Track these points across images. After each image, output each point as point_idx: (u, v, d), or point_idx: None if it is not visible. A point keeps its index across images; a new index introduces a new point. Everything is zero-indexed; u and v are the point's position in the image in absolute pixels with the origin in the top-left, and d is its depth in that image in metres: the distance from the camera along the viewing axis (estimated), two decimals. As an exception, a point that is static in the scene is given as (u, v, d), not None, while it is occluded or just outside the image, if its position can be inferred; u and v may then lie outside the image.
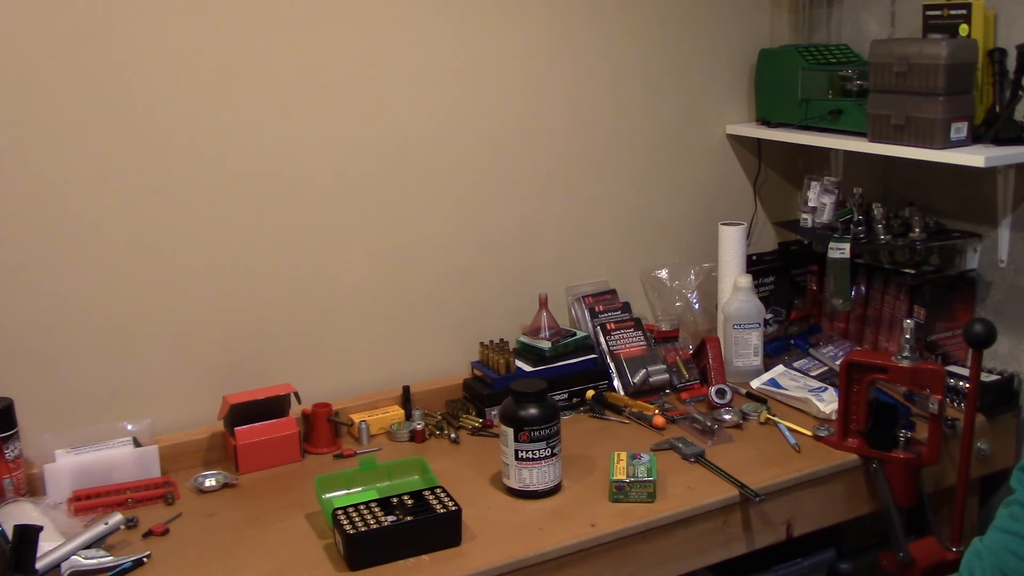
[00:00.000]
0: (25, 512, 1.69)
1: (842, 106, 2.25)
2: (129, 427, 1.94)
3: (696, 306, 2.48)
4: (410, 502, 1.69)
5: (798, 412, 2.13)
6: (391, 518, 1.64)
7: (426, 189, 2.19)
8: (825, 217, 2.35)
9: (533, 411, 1.78)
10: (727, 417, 2.09)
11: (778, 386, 2.22)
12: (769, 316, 2.45)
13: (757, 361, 2.31)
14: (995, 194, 2.18)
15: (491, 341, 2.26)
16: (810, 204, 2.40)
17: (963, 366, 2.19)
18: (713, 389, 2.17)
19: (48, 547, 1.56)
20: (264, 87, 1.98)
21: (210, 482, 1.89)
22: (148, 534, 1.71)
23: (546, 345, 2.20)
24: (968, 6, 2.04)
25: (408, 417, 2.14)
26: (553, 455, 1.80)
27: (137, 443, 1.91)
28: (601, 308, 2.34)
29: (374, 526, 1.61)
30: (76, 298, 1.89)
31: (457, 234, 2.24)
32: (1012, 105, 2.03)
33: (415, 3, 2.10)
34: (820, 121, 2.30)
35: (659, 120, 2.44)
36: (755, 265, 2.46)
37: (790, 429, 2.04)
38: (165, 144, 1.92)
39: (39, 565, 1.51)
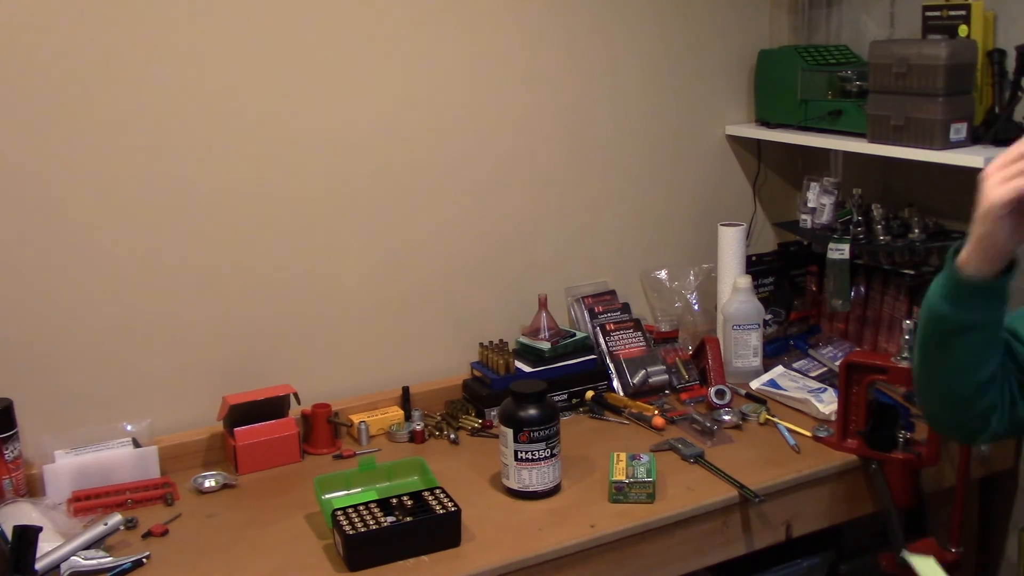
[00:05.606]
0: (25, 513, 1.69)
1: (841, 107, 2.25)
2: (129, 427, 1.94)
3: (696, 307, 2.48)
4: (409, 503, 1.69)
5: (797, 413, 2.13)
6: (390, 519, 1.65)
7: (425, 190, 2.19)
8: (824, 218, 2.35)
9: (533, 412, 1.78)
10: (726, 418, 2.09)
11: (777, 387, 2.22)
12: (768, 317, 2.45)
13: (756, 362, 2.31)
14: (994, 195, 2.18)
15: (490, 342, 2.26)
16: (809, 205, 2.39)
17: (962, 367, 2.19)
18: (712, 390, 2.17)
19: (48, 548, 1.56)
20: (262, 89, 1.98)
21: (210, 483, 1.89)
22: (147, 535, 1.72)
23: (546, 346, 2.20)
24: (968, 7, 2.04)
25: (407, 418, 2.14)
26: (552, 456, 1.80)
27: (137, 444, 1.91)
28: (601, 309, 2.34)
29: (373, 527, 1.61)
30: (76, 299, 1.89)
31: (456, 235, 2.24)
32: (1012, 106, 2.03)
33: (413, 5, 2.10)
34: (819, 122, 2.30)
35: (658, 121, 2.44)
36: (754, 266, 2.46)
37: (789, 430, 2.04)
38: (164, 146, 1.92)
39: (39, 566, 1.51)
